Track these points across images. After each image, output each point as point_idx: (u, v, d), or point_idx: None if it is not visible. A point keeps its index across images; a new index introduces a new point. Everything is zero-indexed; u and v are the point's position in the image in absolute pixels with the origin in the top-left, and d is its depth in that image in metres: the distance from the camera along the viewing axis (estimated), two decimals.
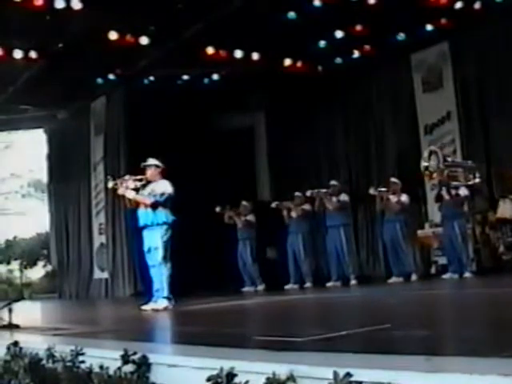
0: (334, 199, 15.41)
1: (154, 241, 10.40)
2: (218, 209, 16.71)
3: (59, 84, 18.49)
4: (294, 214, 16.09)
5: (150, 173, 10.71)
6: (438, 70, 16.04)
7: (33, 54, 16.14)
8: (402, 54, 16.39)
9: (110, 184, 11.18)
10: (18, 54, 15.96)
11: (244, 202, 16.88)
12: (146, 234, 10.58)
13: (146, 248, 10.56)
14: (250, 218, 16.76)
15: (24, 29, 14.91)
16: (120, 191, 10.72)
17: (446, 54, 15.86)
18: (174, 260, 10.52)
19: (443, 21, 15.07)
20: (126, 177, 11.01)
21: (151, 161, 10.78)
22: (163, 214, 10.42)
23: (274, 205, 16.47)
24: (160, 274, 10.31)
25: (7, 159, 35.77)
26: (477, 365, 3.08)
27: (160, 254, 10.31)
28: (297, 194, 16.05)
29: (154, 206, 10.40)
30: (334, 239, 15.45)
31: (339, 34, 15.53)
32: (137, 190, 10.66)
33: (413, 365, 3.20)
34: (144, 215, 10.53)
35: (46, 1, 13.53)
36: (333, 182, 15.63)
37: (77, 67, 17.05)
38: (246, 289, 16.41)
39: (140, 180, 10.75)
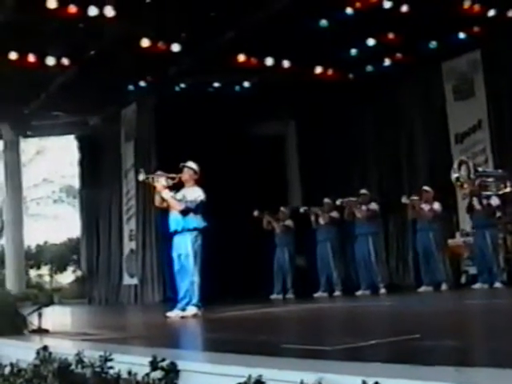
0: (364, 208, 15.37)
1: (185, 247, 10.33)
2: (256, 213, 16.65)
3: (91, 91, 18.64)
4: (321, 221, 16.08)
5: (186, 175, 10.57)
6: (469, 79, 15.94)
7: (65, 61, 16.27)
8: (434, 62, 16.32)
9: (141, 177, 10.98)
10: (50, 60, 16.10)
11: (282, 208, 16.90)
12: (176, 240, 10.51)
13: (175, 254, 10.51)
14: (289, 223, 16.76)
15: (57, 36, 15.06)
16: (158, 187, 10.52)
17: (478, 63, 15.75)
18: (205, 267, 10.51)
19: (476, 29, 14.99)
20: (159, 172, 10.90)
21: (191, 163, 10.68)
22: (194, 220, 10.36)
23: (302, 210, 16.49)
24: (190, 281, 10.26)
25: (39, 165, 36.06)
26: (506, 376, 3.05)
27: (191, 260, 10.25)
28: (326, 200, 16.03)
29: (185, 212, 10.34)
30: (362, 248, 15.41)
31: (371, 41, 15.50)
32: (168, 187, 10.57)
33: (442, 376, 3.17)
34: (175, 221, 10.47)
35: (79, 8, 13.64)
36: (363, 191, 15.60)
37: (108, 74, 17.17)
38: (274, 296, 16.38)
39: (173, 178, 10.61)
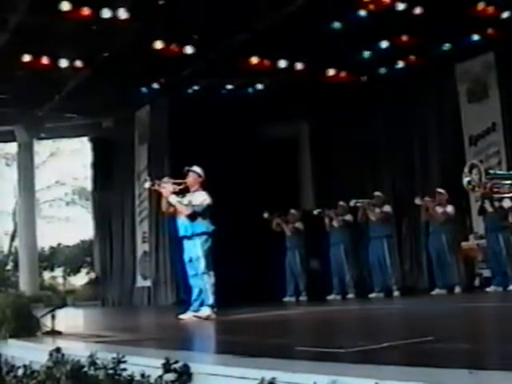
0: (378, 210, 15.36)
1: (195, 251, 10.34)
2: (266, 215, 16.69)
3: (104, 93, 18.70)
4: (335, 224, 16.07)
5: (190, 179, 10.58)
6: (483, 81, 15.89)
7: (79, 63, 16.34)
8: (447, 65, 16.27)
9: (147, 185, 11.08)
10: (64, 63, 16.16)
11: (292, 210, 16.91)
12: (186, 244, 10.53)
13: (186, 258, 10.52)
14: (299, 225, 16.77)
15: (70, 38, 15.13)
16: (164, 193, 10.53)
17: (492, 65, 15.70)
18: (216, 269, 10.51)
19: (489, 31, 14.93)
20: (165, 179, 10.92)
21: (195, 168, 10.70)
22: (202, 225, 10.37)
23: (315, 212, 16.49)
24: (203, 284, 10.27)
25: (52, 167, 36.17)
26: None
27: (202, 263, 10.26)
28: (340, 203, 16.03)
29: (192, 216, 10.35)
30: (376, 250, 15.40)
31: (384, 43, 15.48)
32: (175, 193, 10.59)
33: (456, 378, 3.17)
34: (183, 226, 10.49)
35: (92, 11, 13.69)
36: (377, 193, 15.58)
37: (122, 76, 17.22)
38: (287, 299, 16.39)
39: (179, 184, 10.62)
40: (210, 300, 10.21)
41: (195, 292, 10.41)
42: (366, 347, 4.75)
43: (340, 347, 4.72)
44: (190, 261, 10.44)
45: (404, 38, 15.23)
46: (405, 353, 4.61)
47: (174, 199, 10.48)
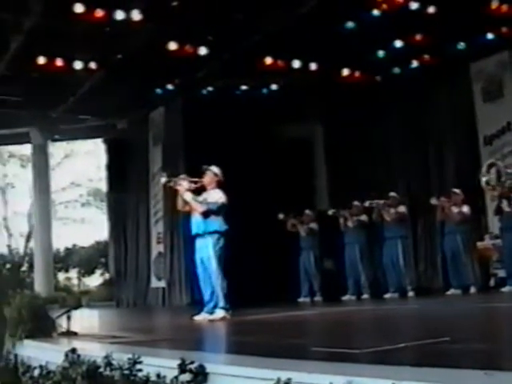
0: (392, 211, 15.32)
1: (206, 250, 10.32)
2: (281, 216, 16.72)
3: (118, 94, 18.75)
4: (350, 224, 16.07)
5: (207, 178, 10.59)
6: (497, 80, 15.83)
7: (93, 65, 16.39)
8: (462, 64, 16.21)
9: (163, 180, 11.07)
10: (78, 64, 16.22)
11: (307, 211, 16.91)
12: (197, 243, 10.52)
13: (198, 258, 10.51)
14: (313, 225, 16.77)
15: (84, 40, 15.16)
16: (180, 190, 10.52)
17: (506, 63, 15.64)
18: (231, 269, 10.52)
19: (504, 29, 14.88)
20: (182, 176, 10.91)
21: (213, 167, 10.69)
22: (215, 223, 10.34)
23: (330, 212, 16.48)
24: (215, 284, 10.24)
25: (67, 168, 36.31)
26: None
27: (213, 263, 10.24)
28: (355, 203, 16.02)
29: (206, 214, 10.33)
30: (390, 251, 15.37)
31: (398, 43, 15.46)
32: (190, 191, 10.58)
33: (472, 379, 3.16)
34: (196, 224, 10.48)
35: (106, 12, 13.73)
36: (392, 194, 15.54)
37: (136, 77, 17.27)
38: (302, 299, 16.39)
39: (195, 182, 10.63)
40: (223, 301, 10.19)
41: (207, 293, 10.38)
42: (381, 348, 4.74)
43: (356, 348, 4.72)
44: (202, 261, 10.42)
45: (418, 37, 15.21)
46: (421, 353, 4.60)
47: (188, 196, 10.46)
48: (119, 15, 13.81)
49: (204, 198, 10.50)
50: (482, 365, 3.63)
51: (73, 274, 29.66)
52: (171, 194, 11.44)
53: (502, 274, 14.38)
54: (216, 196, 10.44)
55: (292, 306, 13.62)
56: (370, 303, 14.43)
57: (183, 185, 10.53)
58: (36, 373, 6.20)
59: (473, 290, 14.10)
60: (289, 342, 6.07)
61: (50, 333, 7.73)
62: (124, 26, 14.15)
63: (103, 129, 23.17)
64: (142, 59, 15.97)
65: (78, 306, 8.90)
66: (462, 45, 15.57)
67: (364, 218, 15.96)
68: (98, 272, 29.08)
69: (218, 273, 10.25)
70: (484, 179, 12.79)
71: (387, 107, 17.95)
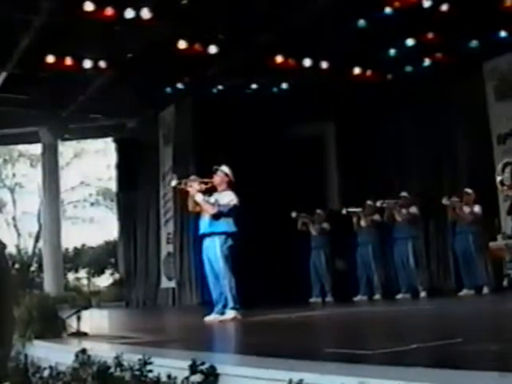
0: (404, 211, 15.30)
1: (213, 251, 10.31)
2: (293, 214, 16.70)
3: (128, 93, 18.78)
4: (363, 224, 16.06)
5: (218, 179, 10.57)
6: (511, 78, 15.77)
7: (102, 64, 16.41)
8: (475, 62, 16.15)
9: (174, 183, 11.01)
10: (87, 63, 16.24)
11: (318, 210, 16.88)
12: (205, 243, 10.51)
13: (205, 258, 10.50)
14: (325, 225, 16.75)
15: (94, 39, 15.19)
16: (191, 191, 10.50)
17: None
18: (240, 269, 10.51)
19: None
20: (192, 177, 10.90)
21: (223, 167, 10.68)
22: (224, 224, 10.34)
23: (344, 211, 16.40)
24: (222, 285, 10.25)
25: (77, 168, 36.39)
26: None
27: (220, 263, 10.24)
28: (368, 202, 16.01)
29: (217, 216, 10.33)
30: (401, 251, 15.38)
31: (410, 41, 15.41)
32: (201, 192, 10.57)
33: (486, 381, 3.15)
34: (204, 224, 10.48)
35: (116, 11, 13.75)
36: (403, 194, 15.53)
37: (146, 76, 17.31)
38: (313, 300, 16.38)
39: (206, 183, 10.61)
40: (232, 302, 10.19)
41: (216, 294, 10.38)
42: (393, 349, 4.74)
43: (368, 349, 4.72)
44: (209, 260, 10.41)
45: (430, 35, 15.16)
46: (433, 354, 4.59)
47: (200, 198, 10.44)
48: (129, 14, 13.82)
49: (216, 199, 10.48)
50: (495, 366, 3.62)
51: (82, 274, 29.75)
52: (182, 194, 11.42)
53: None
54: (228, 198, 10.43)
55: (303, 306, 13.60)
56: (381, 304, 14.43)
57: (194, 186, 10.52)
58: (46, 373, 6.22)
59: (486, 290, 14.09)
60: (300, 343, 6.08)
61: (59, 333, 7.75)
62: (134, 25, 14.17)
63: (113, 128, 23.23)
64: (151, 58, 15.98)
65: (87, 306, 8.92)
66: (474, 43, 15.50)
67: (377, 217, 15.94)
68: (108, 272, 29.17)
69: (226, 273, 10.24)
70: (499, 178, 12.77)
71: (399, 106, 17.89)
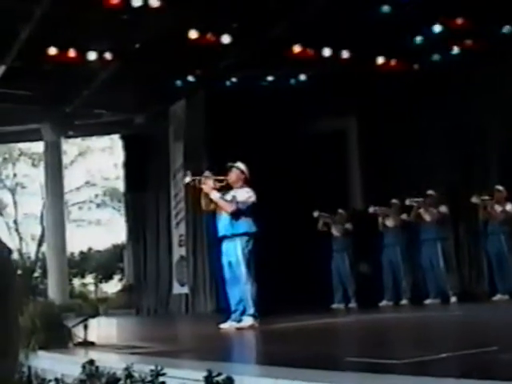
0: (434, 210, 15.25)
1: (235, 253, 10.28)
2: (315, 213, 16.61)
3: (136, 87, 18.82)
4: (390, 224, 15.98)
5: (233, 176, 10.57)
6: None
7: (108, 56, 16.44)
8: (508, 49, 16.09)
9: (188, 179, 10.94)
10: (92, 55, 16.26)
11: (340, 210, 16.83)
12: (225, 245, 10.48)
13: (225, 261, 10.47)
14: (348, 226, 16.67)
15: (99, 29, 15.22)
16: (206, 189, 10.45)
17: None
18: (259, 274, 10.50)
19: None
20: (207, 173, 10.81)
21: (238, 164, 10.67)
22: (245, 224, 10.33)
23: (371, 210, 16.26)
24: (244, 290, 10.22)
25: (81, 167, 36.51)
26: None
27: (242, 268, 10.21)
28: (394, 201, 15.93)
29: (236, 214, 10.32)
30: (429, 254, 15.30)
31: (437, 27, 15.37)
32: (216, 189, 10.57)
33: None
34: (223, 225, 10.44)
35: None
36: (430, 192, 15.44)
37: (154, 68, 17.32)
38: (335, 306, 16.34)
39: (221, 181, 10.61)
40: (252, 309, 10.17)
41: (235, 300, 10.36)
42: (422, 358, 4.74)
43: (394, 358, 4.71)
44: (229, 265, 10.39)
45: (459, 20, 15.11)
46: (465, 364, 4.59)
47: (215, 195, 10.41)
48: (136, 1, 13.83)
49: (233, 195, 10.47)
50: None
51: (89, 279, 29.88)
52: (195, 193, 11.41)
53: None
54: (246, 195, 10.42)
55: (325, 313, 13.60)
56: (409, 309, 14.40)
57: (208, 183, 10.51)
58: None
59: None
60: (321, 352, 6.08)
61: (65, 343, 7.79)
62: (141, 13, 14.19)
63: (120, 124, 23.26)
64: (160, 49, 15.99)
65: (95, 315, 8.98)
66: (507, 28, 15.45)
67: (405, 216, 15.84)
68: (116, 277, 29.29)
69: (248, 277, 10.21)
70: None
71: (426, 97, 17.83)
